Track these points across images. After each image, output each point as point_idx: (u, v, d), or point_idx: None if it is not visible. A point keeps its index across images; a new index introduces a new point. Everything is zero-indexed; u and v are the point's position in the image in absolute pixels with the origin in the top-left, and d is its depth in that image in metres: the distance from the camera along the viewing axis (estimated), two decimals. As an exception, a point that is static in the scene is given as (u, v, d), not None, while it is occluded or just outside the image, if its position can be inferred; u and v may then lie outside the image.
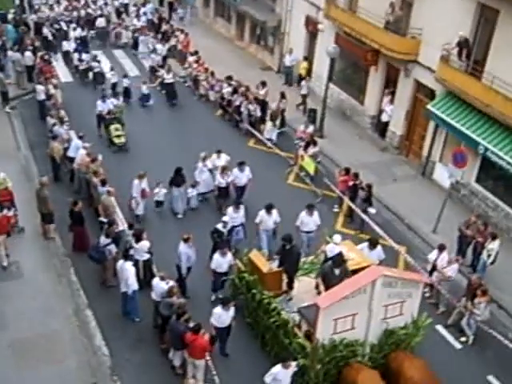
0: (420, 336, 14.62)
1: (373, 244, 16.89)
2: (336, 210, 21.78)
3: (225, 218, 17.48)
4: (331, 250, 16.16)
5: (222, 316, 14.53)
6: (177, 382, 14.32)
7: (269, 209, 17.96)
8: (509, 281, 18.71)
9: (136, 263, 16.33)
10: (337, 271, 14.62)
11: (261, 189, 20.79)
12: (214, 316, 14.53)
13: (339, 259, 14.87)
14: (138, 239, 16.62)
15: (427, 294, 18.18)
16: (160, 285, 15.31)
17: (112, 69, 30.30)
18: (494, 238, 18.26)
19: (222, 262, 16.23)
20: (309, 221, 18.14)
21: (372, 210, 20.48)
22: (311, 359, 13.52)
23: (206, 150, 21.49)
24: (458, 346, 16.42)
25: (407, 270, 17.42)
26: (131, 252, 16.50)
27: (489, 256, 18.18)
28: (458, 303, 16.83)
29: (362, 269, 15.48)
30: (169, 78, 29.31)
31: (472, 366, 15.79)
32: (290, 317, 14.69)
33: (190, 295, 16.71)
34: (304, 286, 15.94)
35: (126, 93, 28.84)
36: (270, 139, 25.60)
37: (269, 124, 26.13)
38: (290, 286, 15.82)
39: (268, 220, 18.05)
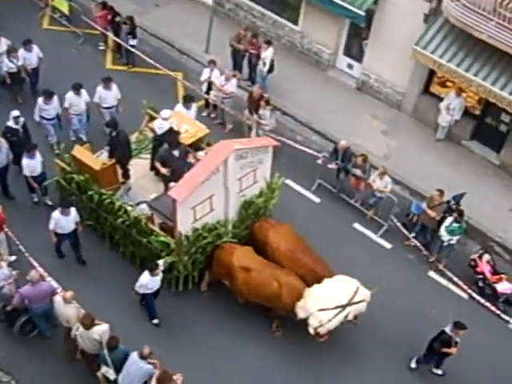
0: (276, 198, 14.44)
1: (187, 101, 15.98)
2: (102, 47, 20.54)
3: (14, 113, 15.23)
4: (160, 126, 14.77)
5: (62, 221, 13.26)
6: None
7: (77, 89, 16.04)
8: (288, 87, 19.20)
9: None
10: (176, 153, 13.86)
11: (15, 40, 18.17)
12: (53, 221, 13.25)
13: (174, 141, 13.98)
14: None
15: (212, 115, 18.13)
16: None
17: None
18: (268, 43, 18.16)
19: (33, 164, 14.44)
20: (107, 95, 16.50)
21: (134, 41, 19.35)
22: (177, 254, 12.92)
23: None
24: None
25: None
26: None
27: (264, 64, 18.15)
28: (242, 117, 16.87)
29: (199, 139, 14.99)
30: None
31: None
32: (139, 211, 13.63)
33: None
34: (139, 169, 14.91)
35: None
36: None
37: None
38: (126, 175, 14.63)
39: (79, 102, 16.21)
